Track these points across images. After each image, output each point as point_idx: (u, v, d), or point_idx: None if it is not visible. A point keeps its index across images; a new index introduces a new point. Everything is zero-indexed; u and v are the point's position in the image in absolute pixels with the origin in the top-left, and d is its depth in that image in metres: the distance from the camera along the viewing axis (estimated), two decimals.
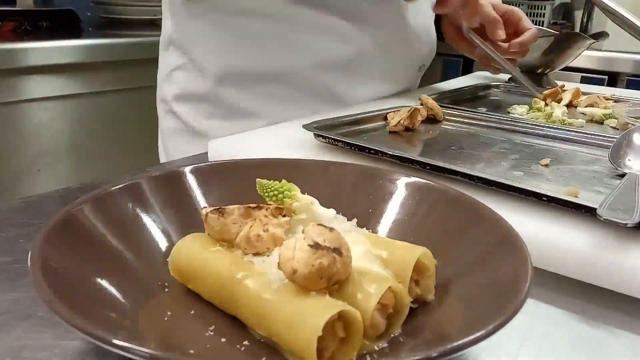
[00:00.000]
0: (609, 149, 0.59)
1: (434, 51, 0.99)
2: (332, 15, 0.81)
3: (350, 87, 0.86)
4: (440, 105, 0.77)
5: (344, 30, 0.82)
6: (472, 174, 0.50)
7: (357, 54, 0.84)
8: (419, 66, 0.97)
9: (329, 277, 0.29)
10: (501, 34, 0.88)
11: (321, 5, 0.80)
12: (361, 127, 0.70)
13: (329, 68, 0.84)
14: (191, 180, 0.43)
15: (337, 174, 0.46)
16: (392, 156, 0.55)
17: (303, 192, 0.37)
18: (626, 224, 0.39)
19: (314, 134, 0.61)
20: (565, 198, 0.44)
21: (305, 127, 0.61)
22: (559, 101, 0.92)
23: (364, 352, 0.29)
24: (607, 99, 0.92)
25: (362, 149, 0.57)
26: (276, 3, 0.80)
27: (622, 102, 0.92)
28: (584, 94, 0.94)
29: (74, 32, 1.74)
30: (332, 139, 0.59)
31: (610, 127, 0.80)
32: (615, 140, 0.60)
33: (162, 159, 0.95)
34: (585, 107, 0.88)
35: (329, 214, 0.36)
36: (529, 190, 0.46)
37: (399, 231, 0.39)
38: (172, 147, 0.91)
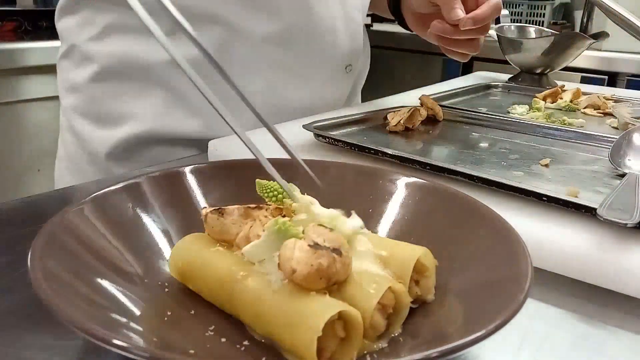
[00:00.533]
0: (609, 149, 0.59)
1: (362, 52, 0.86)
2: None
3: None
4: (440, 105, 0.77)
5: (233, 18, 0.70)
6: (472, 174, 0.50)
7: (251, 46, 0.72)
8: (344, 66, 0.82)
9: (329, 277, 0.29)
10: (459, 13, 0.69)
11: None
12: (361, 127, 0.70)
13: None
14: (191, 180, 0.43)
15: (337, 174, 0.46)
16: (392, 156, 0.55)
17: (303, 192, 0.37)
18: (626, 224, 0.39)
19: (314, 134, 0.61)
20: (565, 198, 0.44)
21: (305, 127, 0.61)
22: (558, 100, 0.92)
23: (364, 352, 0.29)
24: (607, 99, 0.92)
25: (362, 149, 0.57)
26: None
27: (622, 102, 0.93)
28: (584, 94, 0.94)
29: None
30: (332, 139, 0.59)
31: (611, 127, 0.80)
32: (615, 140, 0.60)
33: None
34: (585, 107, 0.88)
35: (330, 214, 0.36)
36: (529, 190, 0.46)
37: (399, 231, 0.39)
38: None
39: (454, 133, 0.72)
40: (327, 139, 0.60)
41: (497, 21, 1.15)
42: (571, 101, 0.91)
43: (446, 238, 0.38)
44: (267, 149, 0.63)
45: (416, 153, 0.62)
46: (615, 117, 0.82)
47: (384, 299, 0.30)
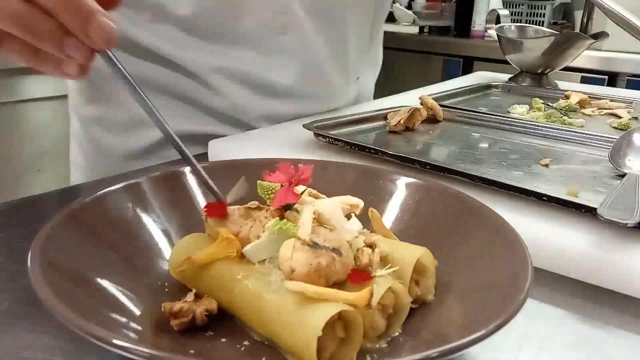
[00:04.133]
0: (609, 149, 0.59)
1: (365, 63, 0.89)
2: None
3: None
4: (440, 105, 0.77)
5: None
6: (472, 174, 0.50)
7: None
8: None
9: (328, 277, 0.29)
10: None
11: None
12: (361, 126, 0.70)
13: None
14: (191, 180, 0.43)
15: (337, 174, 0.46)
16: (392, 156, 0.55)
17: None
18: (626, 224, 0.39)
19: (314, 133, 0.61)
20: (565, 198, 0.44)
21: (305, 126, 0.61)
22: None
23: (364, 352, 0.29)
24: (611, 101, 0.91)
25: (362, 149, 0.57)
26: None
27: (620, 101, 0.93)
28: (592, 98, 0.93)
29: None
30: (332, 138, 0.59)
31: (611, 127, 0.80)
32: (615, 140, 0.60)
33: None
34: (594, 112, 0.88)
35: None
36: (529, 190, 0.46)
37: (399, 231, 0.39)
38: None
39: (454, 133, 0.72)
40: (327, 139, 0.60)
41: (497, 21, 1.15)
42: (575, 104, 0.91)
43: (446, 238, 0.38)
44: (268, 148, 0.63)
45: (416, 153, 0.62)
46: (615, 117, 0.82)
47: (384, 299, 0.30)
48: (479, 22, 2.15)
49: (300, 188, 0.37)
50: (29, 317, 0.34)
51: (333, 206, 0.35)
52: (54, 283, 0.28)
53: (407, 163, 0.54)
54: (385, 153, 0.55)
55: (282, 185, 0.36)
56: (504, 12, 1.16)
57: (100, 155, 0.76)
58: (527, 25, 1.24)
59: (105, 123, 0.74)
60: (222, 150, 0.63)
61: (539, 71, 1.10)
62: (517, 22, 2.06)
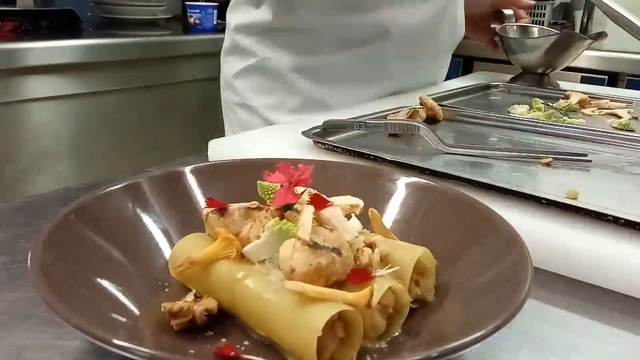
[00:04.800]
0: (609, 148, 0.59)
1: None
2: None
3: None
4: (440, 105, 0.77)
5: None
6: (472, 179, 0.49)
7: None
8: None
9: (328, 277, 0.29)
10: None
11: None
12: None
13: None
14: (191, 180, 0.43)
15: (337, 174, 0.46)
16: (391, 162, 0.54)
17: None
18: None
19: (313, 141, 0.60)
20: (565, 201, 0.44)
21: (304, 134, 0.61)
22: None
23: (364, 352, 0.29)
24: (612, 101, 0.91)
25: (360, 155, 0.56)
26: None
27: (620, 101, 0.93)
28: (592, 98, 0.93)
29: (74, 32, 1.74)
30: (331, 145, 0.59)
31: (611, 126, 0.80)
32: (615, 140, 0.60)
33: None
34: (594, 112, 0.88)
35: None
36: (529, 194, 0.46)
37: (399, 231, 0.39)
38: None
39: (454, 133, 0.72)
40: (325, 146, 0.59)
41: (501, 21, 1.16)
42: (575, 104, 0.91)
43: (446, 238, 0.38)
44: (268, 149, 0.63)
45: (416, 154, 0.62)
46: (615, 117, 0.81)
47: (384, 299, 0.30)
48: None
49: (300, 188, 0.37)
50: (29, 317, 0.34)
51: (333, 206, 0.35)
52: (54, 283, 0.28)
53: (406, 169, 0.53)
54: (384, 160, 0.54)
55: (282, 185, 0.36)
56: (507, 12, 1.15)
57: None
58: (530, 25, 1.23)
59: (282, 108, 0.95)
60: (222, 150, 0.63)
61: (540, 71, 1.10)
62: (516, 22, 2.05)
